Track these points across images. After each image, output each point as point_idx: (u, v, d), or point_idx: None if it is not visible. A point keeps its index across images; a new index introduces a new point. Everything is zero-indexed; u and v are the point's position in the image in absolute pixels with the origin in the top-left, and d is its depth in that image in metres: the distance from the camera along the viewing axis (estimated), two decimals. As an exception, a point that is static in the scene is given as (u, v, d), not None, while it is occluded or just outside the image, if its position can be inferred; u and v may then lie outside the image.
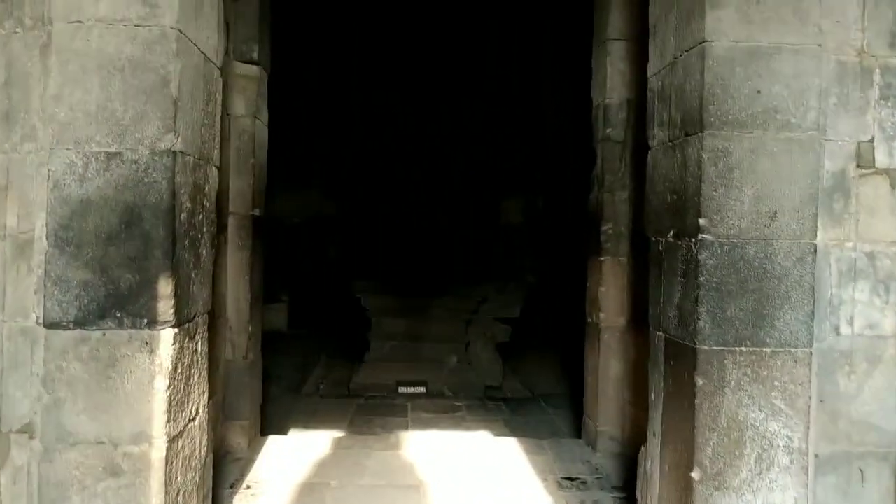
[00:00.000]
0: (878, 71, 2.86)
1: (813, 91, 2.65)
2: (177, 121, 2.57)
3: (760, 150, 2.63)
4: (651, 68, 3.21)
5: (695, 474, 2.65)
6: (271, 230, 9.97)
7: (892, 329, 2.86)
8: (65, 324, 2.51)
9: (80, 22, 2.52)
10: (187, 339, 2.74)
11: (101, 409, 2.52)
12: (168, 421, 2.57)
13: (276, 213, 10.33)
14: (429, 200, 10.34)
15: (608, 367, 4.56)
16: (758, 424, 2.63)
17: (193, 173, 2.76)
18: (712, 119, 2.63)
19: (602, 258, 4.57)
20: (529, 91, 10.41)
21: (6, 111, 2.70)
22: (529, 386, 7.53)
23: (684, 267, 2.76)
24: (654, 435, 3.05)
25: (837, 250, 2.83)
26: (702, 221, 2.64)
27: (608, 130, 4.57)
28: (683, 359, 2.76)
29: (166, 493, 2.57)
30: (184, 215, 2.66)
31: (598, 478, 4.33)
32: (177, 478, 2.67)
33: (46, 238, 2.52)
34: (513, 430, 5.73)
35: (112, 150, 2.52)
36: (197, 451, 2.89)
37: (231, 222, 4.40)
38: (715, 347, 2.63)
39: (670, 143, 2.94)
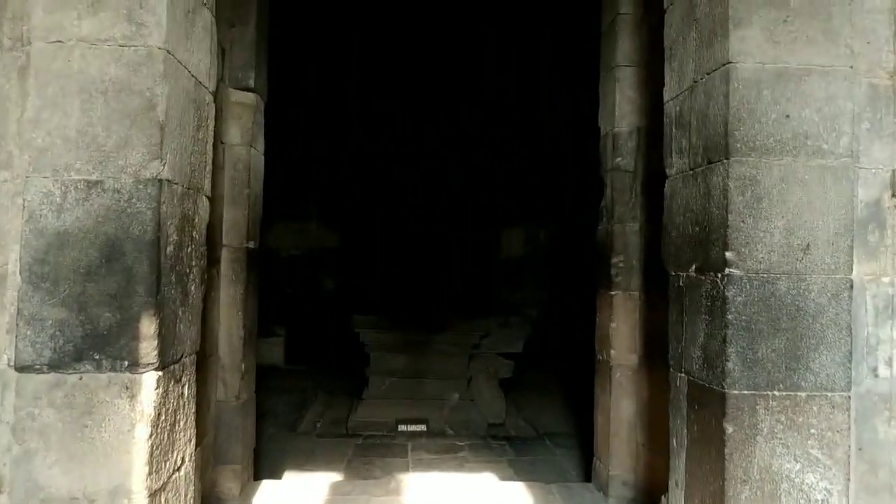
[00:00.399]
0: (911, 95, 2.69)
1: (845, 116, 2.48)
2: (163, 147, 2.38)
3: (791, 178, 2.45)
4: (667, 93, 3.04)
5: (725, 531, 2.43)
6: (267, 262, 9.83)
7: (933, 370, 2.66)
8: (38, 366, 2.30)
9: (60, 42, 2.35)
10: (172, 383, 2.53)
11: (75, 460, 2.30)
12: (150, 473, 2.35)
13: (273, 244, 10.24)
14: (429, 232, 10.17)
15: (620, 408, 4.33)
16: (793, 476, 2.42)
17: (181, 203, 2.57)
18: (739, 145, 2.45)
19: (613, 292, 4.37)
20: (529, 122, 10.30)
21: (-19, 137, 2.52)
22: (534, 423, 7.28)
23: (709, 304, 2.56)
24: (677, 486, 2.82)
25: (873, 286, 2.63)
26: (729, 255, 2.44)
27: (617, 159, 4.40)
28: (710, 403, 2.55)
29: (147, 553, 2.34)
30: (170, 248, 2.46)
31: (610, 526, 4.09)
32: (159, 535, 2.44)
33: (20, 273, 2.32)
34: (518, 472, 5.49)
35: (93, 178, 2.34)
36: (182, 504, 2.67)
37: (224, 255, 4.20)
38: (745, 392, 2.42)
39: (691, 172, 2.76)
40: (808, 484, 2.41)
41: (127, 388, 2.33)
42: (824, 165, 2.46)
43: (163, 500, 2.46)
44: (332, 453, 5.94)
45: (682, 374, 2.80)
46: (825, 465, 2.42)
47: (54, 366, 2.30)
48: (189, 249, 2.69)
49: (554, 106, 10.04)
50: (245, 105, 4.32)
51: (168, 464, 2.51)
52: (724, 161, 2.48)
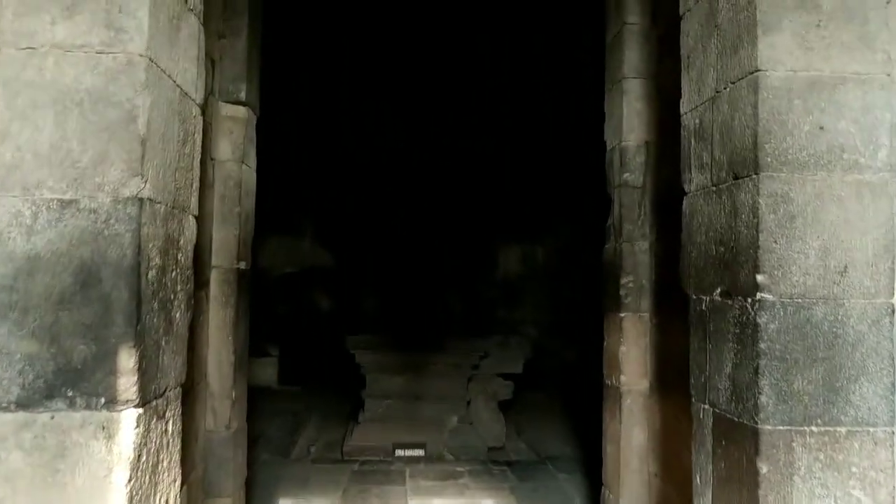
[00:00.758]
0: (950, 105, 2.51)
1: (883, 127, 2.29)
2: (144, 163, 2.18)
3: (826, 194, 2.26)
4: (685, 104, 2.86)
5: (760, 580, 2.22)
6: (260, 281, 9.61)
7: (978, 401, 2.46)
8: (5, 405, 2.08)
9: (32, 49, 2.15)
10: (155, 420, 2.31)
11: (46, 509, 2.08)
12: (129, 521, 2.13)
13: (266, 261, 10.02)
14: (425, 251, 9.96)
15: (631, 436, 4.12)
16: (834, 520, 2.21)
17: (165, 224, 2.37)
18: (769, 159, 2.26)
19: (622, 314, 4.17)
20: (525, 138, 10.12)
21: (-54, 153, 2.31)
22: (535, 447, 7.07)
23: (738, 331, 2.36)
24: (703, 527, 2.61)
25: (915, 310, 2.44)
26: (760, 278, 2.25)
27: (625, 175, 4.21)
28: (740, 439, 2.34)
29: None
30: (152, 273, 2.25)
31: (622, 561, 3.88)
32: (138, 590, 2.22)
33: (-14, 302, 2.11)
34: (521, 499, 5.29)
35: (67, 197, 2.13)
36: (165, 552, 2.44)
37: (213, 277, 3.99)
38: (781, 427, 2.22)
39: (714, 188, 2.57)
40: (850, 529, 2.21)
41: (103, 427, 2.11)
42: (861, 181, 2.27)
43: (143, 550, 2.24)
44: (326, 481, 5.73)
45: (707, 406, 2.60)
46: (868, 507, 2.22)
47: (23, 404, 2.08)
48: (174, 274, 2.48)
49: (550, 121, 9.88)
50: (236, 119, 4.13)
51: (149, 509, 2.29)
52: (754, 176, 2.29)
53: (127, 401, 2.13)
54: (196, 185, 2.74)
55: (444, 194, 9.98)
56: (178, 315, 2.54)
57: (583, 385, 9.21)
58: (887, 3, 2.30)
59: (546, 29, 8.89)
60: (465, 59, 9.41)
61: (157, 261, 2.29)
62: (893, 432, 2.25)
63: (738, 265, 2.37)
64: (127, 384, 2.13)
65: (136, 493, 2.17)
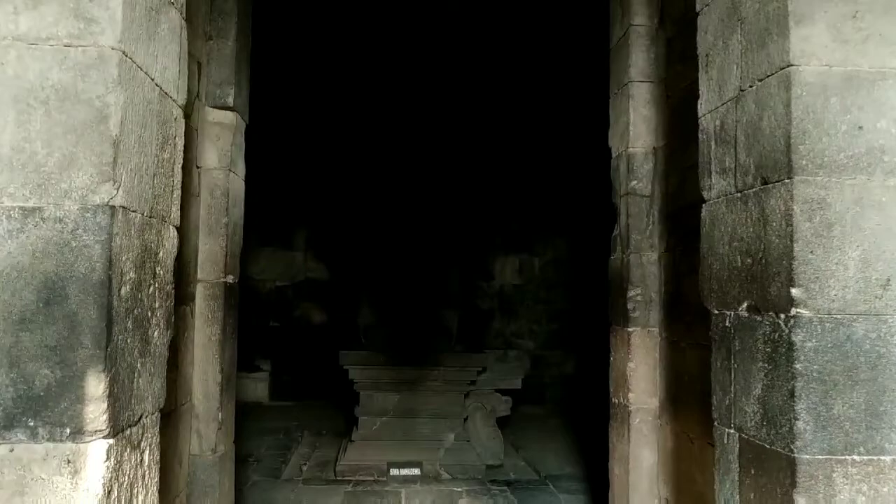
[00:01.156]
0: None
1: (926, 127, 2.10)
2: (117, 167, 1.97)
3: (866, 200, 2.07)
4: (703, 105, 2.67)
5: None
6: (252, 294, 9.39)
7: None
8: (-42, 437, 1.87)
9: (-8, 41, 1.95)
10: (128, 451, 2.09)
11: (3, 554, 1.86)
12: (97, 566, 1.91)
13: (258, 274, 9.80)
14: (420, 263, 9.75)
15: (640, 457, 3.91)
16: (879, 560, 2.01)
17: (141, 235, 2.16)
18: (804, 162, 2.07)
19: (630, 329, 3.96)
20: (520, 149, 9.94)
21: None
22: (535, 465, 6.84)
23: (769, 350, 2.16)
24: (730, 563, 2.40)
25: (960, 327, 2.24)
26: (795, 292, 2.05)
27: (633, 183, 4.02)
28: (773, 469, 2.13)
29: None
30: (125, 289, 2.04)
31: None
32: None
33: (-61, 321, 1.89)
34: (522, 523, 5.05)
35: (29, 204, 1.92)
36: None
37: (199, 291, 3.77)
38: (820, 456, 2.02)
39: (738, 194, 2.37)
40: (897, 569, 2.00)
41: (69, 461, 1.89)
42: (904, 185, 2.08)
43: None
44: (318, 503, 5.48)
45: (732, 431, 2.39)
46: (917, 545, 2.01)
47: (-22, 436, 1.87)
48: (151, 289, 2.26)
49: (545, 130, 9.71)
50: (224, 125, 3.92)
51: (122, 551, 2.06)
52: (786, 181, 2.09)
53: (95, 431, 1.91)
54: (177, 193, 2.53)
55: (438, 206, 9.79)
56: (156, 334, 2.32)
57: (583, 399, 9.03)
58: (929, -8, 2.12)
59: (541, 38, 8.72)
60: (460, 70, 9.22)
61: (131, 275, 2.08)
62: (943, 461, 2.05)
63: (768, 278, 2.18)
64: (96, 412, 1.91)
65: (107, 534, 1.95)
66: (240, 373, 4.34)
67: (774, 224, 2.15)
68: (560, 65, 8.91)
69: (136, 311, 2.12)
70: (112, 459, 1.97)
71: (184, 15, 2.55)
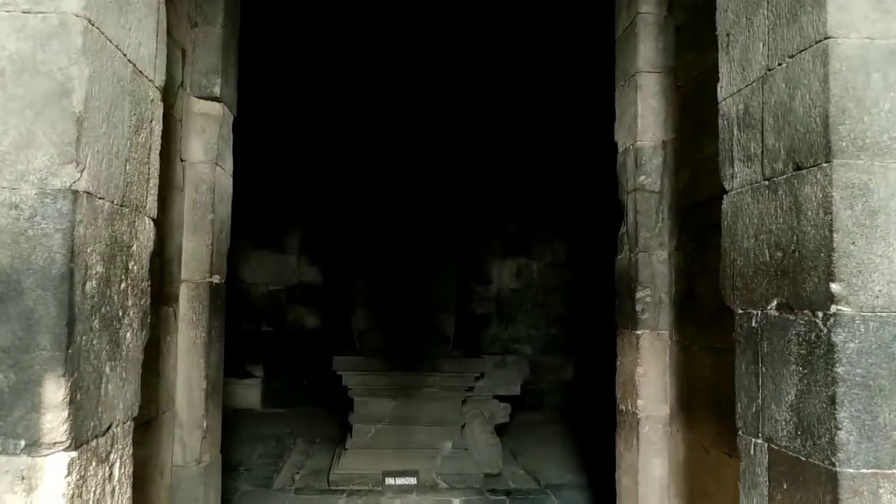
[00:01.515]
0: None
1: (977, 105, 1.91)
2: (81, 147, 1.76)
3: (912, 186, 1.87)
4: (724, 89, 2.47)
5: None
6: (243, 298, 9.18)
7: None
8: None
9: (-59, 6, 1.74)
10: (94, 464, 1.88)
11: (-53, 584, 1.65)
12: None
13: (250, 278, 9.58)
14: (416, 266, 9.54)
15: (650, 467, 3.70)
16: (932, 585, 1.80)
17: (110, 224, 1.95)
18: (844, 143, 1.87)
19: (638, 331, 3.75)
20: (515, 153, 9.75)
21: None
22: (534, 473, 6.62)
23: (804, 352, 1.96)
24: (758, 587, 2.19)
25: None
26: (835, 287, 1.85)
27: (641, 179, 3.81)
28: (809, 483, 1.93)
29: None
30: (91, 284, 1.83)
31: None
32: None
33: None
34: (523, 535, 4.84)
35: (-20, 188, 1.71)
36: None
37: (183, 292, 3.56)
38: (864, 470, 1.81)
39: (766, 182, 2.17)
40: None
41: (23, 477, 1.68)
42: (953, 169, 1.88)
43: None
44: (311, 515, 5.26)
45: (760, 441, 2.18)
46: (973, 568, 1.81)
47: (-79, 449, 1.65)
48: (123, 286, 2.05)
49: (542, 131, 9.53)
50: (209, 116, 3.72)
51: (86, 577, 1.85)
52: (824, 165, 1.90)
53: (54, 443, 1.70)
54: (154, 181, 2.32)
55: (435, 208, 9.58)
56: (128, 335, 2.11)
57: (583, 405, 8.83)
58: (979, -44, 1.93)
59: (539, 28, 8.54)
60: (457, 63, 9.03)
61: (98, 269, 1.87)
62: None
63: (802, 272, 1.97)
64: (54, 422, 1.70)
65: (68, 559, 1.74)
66: (231, 379, 4.13)
67: (810, 213, 1.95)
68: (559, 57, 8.72)
69: (103, 310, 1.91)
70: (74, 474, 1.75)
71: (162, -12, 2.34)
